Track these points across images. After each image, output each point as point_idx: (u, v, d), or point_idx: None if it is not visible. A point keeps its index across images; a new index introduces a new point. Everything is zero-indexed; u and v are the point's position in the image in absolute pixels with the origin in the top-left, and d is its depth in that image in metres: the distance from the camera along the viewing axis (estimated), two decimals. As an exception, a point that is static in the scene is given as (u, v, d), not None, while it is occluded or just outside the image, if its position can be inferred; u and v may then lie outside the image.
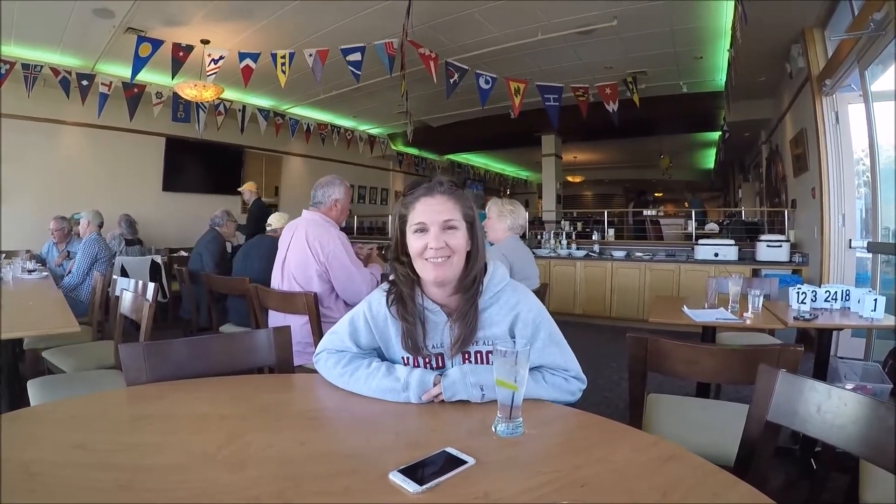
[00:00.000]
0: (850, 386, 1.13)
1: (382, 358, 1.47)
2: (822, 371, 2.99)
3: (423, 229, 1.36)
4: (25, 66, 6.47)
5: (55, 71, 6.70)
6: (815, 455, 2.64)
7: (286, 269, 2.93)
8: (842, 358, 3.93)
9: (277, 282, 3.02)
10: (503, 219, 3.33)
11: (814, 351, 3.08)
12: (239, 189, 8.30)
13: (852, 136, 4.85)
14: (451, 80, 6.48)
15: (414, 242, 1.37)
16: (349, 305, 2.80)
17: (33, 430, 1.11)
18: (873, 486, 1.49)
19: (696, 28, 6.16)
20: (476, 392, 1.27)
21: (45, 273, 4.44)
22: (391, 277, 1.48)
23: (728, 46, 6.19)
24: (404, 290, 1.42)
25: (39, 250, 5.93)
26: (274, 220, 4.39)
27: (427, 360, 1.41)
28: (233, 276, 3.99)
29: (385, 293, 1.46)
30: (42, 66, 6.60)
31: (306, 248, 2.82)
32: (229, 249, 5.80)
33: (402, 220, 1.41)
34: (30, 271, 4.35)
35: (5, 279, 3.92)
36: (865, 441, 1.09)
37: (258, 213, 7.36)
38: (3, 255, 4.59)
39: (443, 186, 1.40)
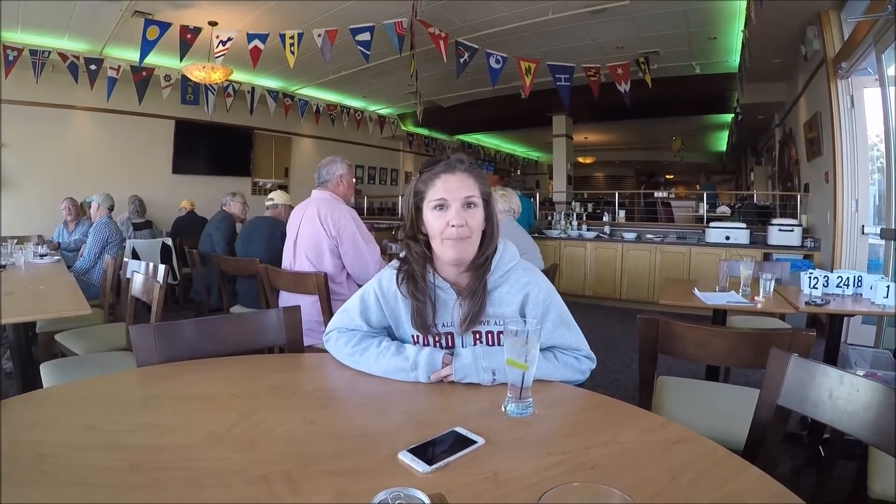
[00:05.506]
0: (860, 373, 1.12)
1: (393, 337, 1.47)
2: (832, 357, 2.97)
3: (442, 205, 1.34)
4: (33, 52, 6.47)
5: (63, 56, 6.70)
6: (824, 441, 2.63)
7: (298, 247, 2.96)
8: (852, 345, 3.90)
9: (290, 261, 3.05)
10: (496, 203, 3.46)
11: (824, 337, 3.06)
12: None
13: (867, 121, 4.75)
14: (462, 60, 6.42)
15: (433, 221, 1.35)
16: (359, 284, 2.82)
17: (44, 412, 1.12)
18: (881, 474, 1.47)
19: (709, 8, 6.05)
20: (487, 376, 1.27)
21: (57, 257, 4.46)
22: (402, 255, 1.46)
23: (742, 27, 6.09)
24: (416, 268, 1.41)
25: (51, 236, 5.95)
26: (276, 197, 4.43)
27: (437, 338, 1.41)
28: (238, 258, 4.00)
29: (395, 270, 1.45)
30: (50, 52, 6.60)
31: (318, 224, 2.86)
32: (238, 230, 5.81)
33: (419, 197, 1.39)
34: (41, 256, 4.37)
35: (17, 264, 3.95)
36: (877, 429, 1.07)
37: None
38: (15, 242, 4.61)
39: (463, 164, 1.39)
